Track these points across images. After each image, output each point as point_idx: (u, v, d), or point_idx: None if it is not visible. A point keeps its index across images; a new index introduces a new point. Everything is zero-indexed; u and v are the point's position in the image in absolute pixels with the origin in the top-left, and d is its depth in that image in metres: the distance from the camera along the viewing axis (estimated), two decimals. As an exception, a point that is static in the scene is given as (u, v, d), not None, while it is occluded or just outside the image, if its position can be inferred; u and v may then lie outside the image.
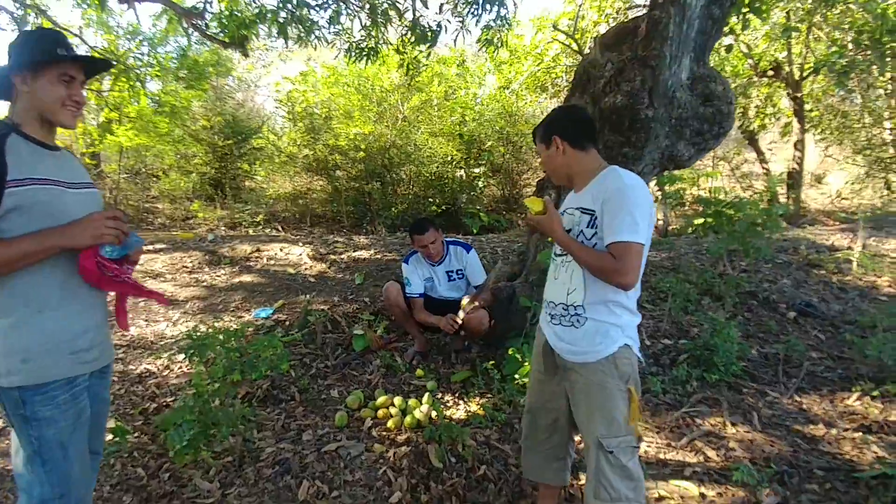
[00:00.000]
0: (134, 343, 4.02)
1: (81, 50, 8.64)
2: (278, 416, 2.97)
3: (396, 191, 10.41)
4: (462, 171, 10.44)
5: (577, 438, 2.11)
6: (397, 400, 3.02)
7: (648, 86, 3.15)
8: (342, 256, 6.14)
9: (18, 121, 1.48)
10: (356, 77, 10.22)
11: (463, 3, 4.96)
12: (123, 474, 2.46)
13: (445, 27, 5.23)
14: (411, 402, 3.02)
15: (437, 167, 10.30)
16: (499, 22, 5.09)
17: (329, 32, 5.54)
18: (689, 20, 3.11)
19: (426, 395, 3.10)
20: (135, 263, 1.67)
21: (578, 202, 1.84)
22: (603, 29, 7.55)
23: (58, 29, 6.90)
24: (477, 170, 10.44)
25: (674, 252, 5.71)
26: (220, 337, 2.93)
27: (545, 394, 1.97)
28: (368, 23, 5.42)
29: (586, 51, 6.40)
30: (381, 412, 2.96)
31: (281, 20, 5.14)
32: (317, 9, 5.11)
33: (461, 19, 5.14)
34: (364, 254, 6.28)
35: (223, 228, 9.75)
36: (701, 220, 4.59)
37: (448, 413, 2.99)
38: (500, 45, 5.46)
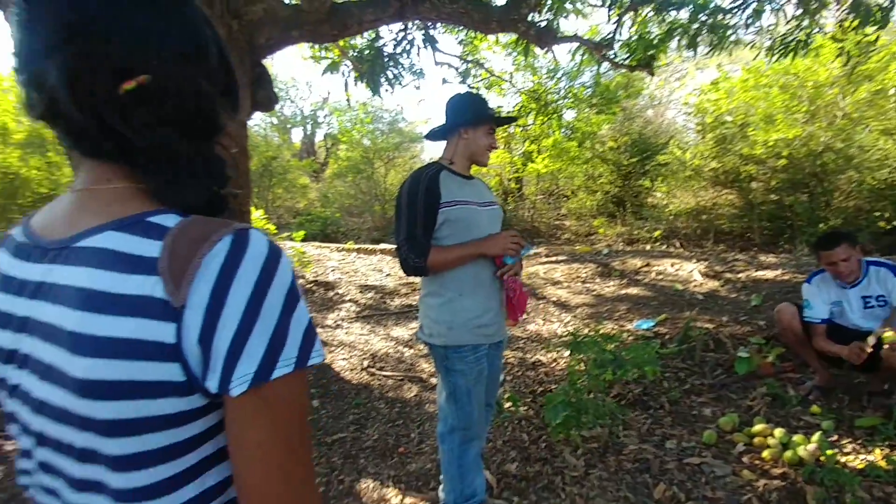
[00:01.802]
0: (532, 337, 4.75)
1: (510, 93, 10.54)
2: (645, 420, 3.07)
3: (829, 203, 8.79)
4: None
5: None
6: (777, 431, 2.71)
7: None
8: (739, 275, 5.68)
9: (453, 159, 2.11)
10: (781, 75, 9.10)
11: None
12: (512, 436, 3.02)
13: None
14: (797, 437, 2.66)
15: (890, 172, 8.21)
16: None
17: (746, 33, 5.20)
18: None
19: (817, 434, 2.67)
20: (517, 274, 2.12)
21: None
22: None
23: (494, 77, 8.53)
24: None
25: None
26: (599, 339, 3.25)
27: None
28: (799, 12, 4.84)
29: None
30: (756, 440, 2.73)
31: (692, 32, 5.11)
32: (734, 11, 4.88)
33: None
34: (768, 273, 5.65)
35: (621, 244, 10.23)
36: None
37: (842, 459, 2.52)
38: None
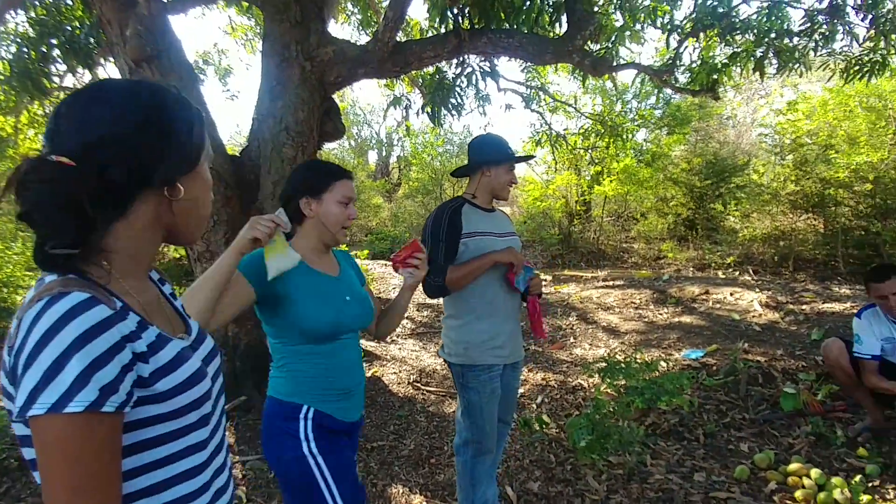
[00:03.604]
0: (576, 361, 4.81)
1: (572, 122, 10.58)
2: (676, 451, 3.09)
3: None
4: None
5: None
6: (814, 472, 2.68)
7: None
8: (804, 307, 5.44)
9: (476, 193, 2.32)
10: (865, 96, 8.65)
11: None
12: (540, 456, 3.14)
13: None
14: (835, 479, 2.61)
15: None
16: None
17: (818, 56, 5.06)
18: None
19: (857, 477, 2.61)
20: (538, 295, 2.30)
21: None
22: None
23: (558, 102, 8.57)
24: None
25: None
26: (634, 366, 3.30)
27: None
28: (872, 33, 4.68)
29: None
30: (791, 479, 2.71)
31: (758, 55, 5.03)
32: (800, 36, 4.79)
33: None
34: (837, 306, 5.38)
35: (691, 269, 9.93)
36: None
37: (879, 507, 2.45)
38: None
